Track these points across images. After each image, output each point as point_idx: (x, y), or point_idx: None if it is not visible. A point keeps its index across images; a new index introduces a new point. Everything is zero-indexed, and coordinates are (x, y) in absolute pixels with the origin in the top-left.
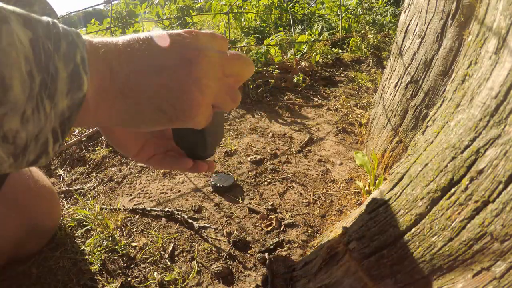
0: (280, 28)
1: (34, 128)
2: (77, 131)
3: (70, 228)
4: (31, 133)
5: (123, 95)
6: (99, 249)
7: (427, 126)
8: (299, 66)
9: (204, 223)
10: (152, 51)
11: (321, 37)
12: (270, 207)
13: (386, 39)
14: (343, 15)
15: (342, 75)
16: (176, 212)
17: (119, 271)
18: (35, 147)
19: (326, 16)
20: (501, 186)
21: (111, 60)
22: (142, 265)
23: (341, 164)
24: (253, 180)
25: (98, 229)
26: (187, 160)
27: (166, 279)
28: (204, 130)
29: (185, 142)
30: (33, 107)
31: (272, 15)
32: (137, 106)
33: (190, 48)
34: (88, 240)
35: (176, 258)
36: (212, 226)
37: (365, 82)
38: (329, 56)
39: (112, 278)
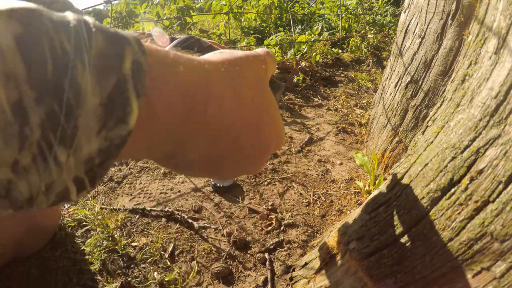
0: (280, 28)
1: (40, 180)
2: None
3: (70, 228)
4: (36, 185)
5: (217, 136)
6: (99, 249)
7: (427, 126)
8: (299, 66)
9: (204, 223)
10: (244, 78)
11: (321, 37)
12: (270, 207)
13: (386, 39)
14: (343, 15)
15: (342, 75)
16: (176, 212)
17: (119, 271)
18: (47, 198)
19: (326, 16)
20: (501, 186)
21: (212, 81)
22: (142, 265)
23: (341, 164)
24: (253, 180)
25: (98, 229)
26: None
27: (166, 279)
28: None
29: None
30: (34, 155)
31: (272, 15)
32: (245, 160)
33: (267, 81)
34: (88, 240)
35: (176, 258)
36: (212, 226)
37: (365, 82)
38: (329, 56)
39: (112, 278)
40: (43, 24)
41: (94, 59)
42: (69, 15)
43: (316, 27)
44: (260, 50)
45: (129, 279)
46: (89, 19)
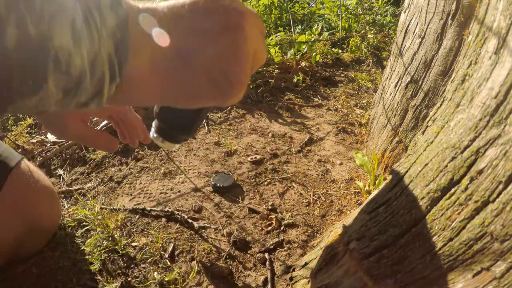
0: (280, 28)
1: (88, 49)
2: None
3: (70, 228)
4: (86, 57)
5: (176, 69)
6: (99, 249)
7: (427, 126)
8: (299, 66)
9: (204, 223)
10: (200, 15)
11: (321, 37)
12: (270, 207)
13: (386, 39)
14: (343, 15)
15: (342, 75)
16: (176, 212)
17: (119, 271)
18: (91, 82)
19: (326, 16)
20: (501, 186)
21: (162, 27)
22: (142, 265)
23: (341, 164)
24: (253, 180)
25: (98, 229)
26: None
27: (166, 279)
28: (202, 110)
29: (175, 118)
30: (82, 15)
31: (272, 15)
32: (192, 81)
33: (235, 10)
34: (88, 240)
35: (176, 258)
36: (212, 226)
37: (365, 82)
38: (329, 56)
39: (112, 278)
40: None
41: None
42: None
43: (316, 27)
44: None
45: (129, 279)
46: None
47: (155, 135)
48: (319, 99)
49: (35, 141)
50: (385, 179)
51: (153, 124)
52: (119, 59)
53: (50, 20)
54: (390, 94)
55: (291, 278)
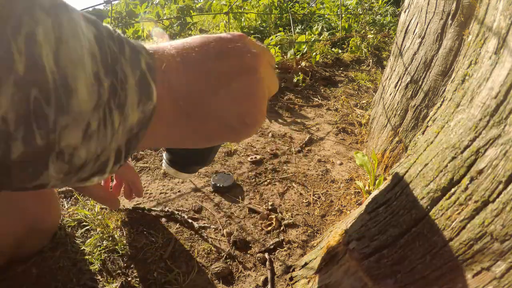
0: (280, 28)
1: (97, 146)
2: None
3: (70, 228)
4: (92, 152)
5: (187, 115)
6: (99, 249)
7: (427, 126)
8: (299, 66)
9: (204, 223)
10: (211, 58)
11: (321, 37)
12: (270, 207)
13: (386, 39)
14: (343, 15)
15: (342, 75)
16: (176, 212)
17: (119, 271)
18: (93, 166)
19: (326, 16)
20: (501, 186)
21: (170, 71)
22: (142, 265)
23: (341, 164)
24: (253, 180)
25: (98, 229)
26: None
27: (166, 279)
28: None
29: (188, 152)
30: (100, 120)
31: (272, 15)
32: (204, 126)
33: (249, 53)
34: (88, 240)
35: (176, 258)
36: (212, 226)
37: (365, 82)
38: (329, 56)
39: (112, 278)
40: (103, 31)
41: (129, 58)
42: (108, 25)
43: (316, 27)
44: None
45: (129, 279)
46: (119, 31)
47: (167, 167)
48: (319, 99)
49: None
50: (385, 179)
51: (164, 155)
52: (128, 148)
53: (61, 131)
54: (390, 94)
55: (291, 278)
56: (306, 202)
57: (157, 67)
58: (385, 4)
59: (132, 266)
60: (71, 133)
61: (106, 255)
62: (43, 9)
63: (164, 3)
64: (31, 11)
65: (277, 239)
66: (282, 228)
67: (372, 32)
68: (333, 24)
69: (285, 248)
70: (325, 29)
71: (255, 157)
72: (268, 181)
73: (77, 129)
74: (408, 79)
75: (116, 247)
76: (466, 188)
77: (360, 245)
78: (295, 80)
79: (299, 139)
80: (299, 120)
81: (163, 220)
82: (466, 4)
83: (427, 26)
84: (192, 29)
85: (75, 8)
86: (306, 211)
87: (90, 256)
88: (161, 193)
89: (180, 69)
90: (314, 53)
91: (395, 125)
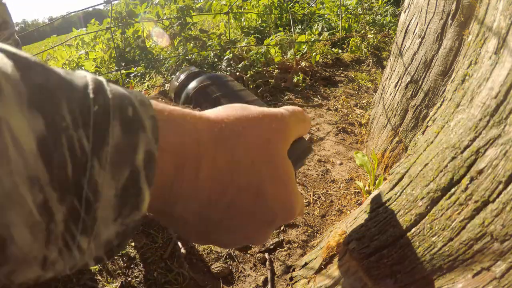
0: (280, 28)
1: (65, 265)
2: None
3: None
4: (60, 269)
5: (220, 220)
6: None
7: (427, 126)
8: (299, 66)
9: None
10: (244, 138)
11: (321, 37)
12: None
13: (386, 39)
14: (343, 15)
15: (342, 75)
16: None
17: (119, 271)
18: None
19: (326, 16)
20: (501, 186)
21: (204, 142)
22: (142, 265)
23: (341, 164)
24: None
25: None
26: None
27: (166, 279)
28: None
29: None
30: (60, 249)
31: (272, 15)
32: (244, 229)
33: (281, 143)
34: None
35: (176, 258)
36: None
37: (365, 82)
38: (329, 56)
39: (112, 278)
40: (63, 120)
41: (111, 155)
42: (88, 90)
43: (316, 27)
44: (285, 108)
45: (129, 279)
46: (107, 89)
47: None
48: (319, 99)
49: None
50: (385, 179)
51: None
52: (110, 255)
53: (9, 276)
54: (390, 94)
55: (291, 278)
56: (306, 202)
57: (170, 150)
58: (385, 4)
59: (132, 266)
60: (23, 274)
61: None
62: None
63: (164, 3)
64: None
65: (277, 239)
66: (282, 228)
67: (372, 32)
68: (333, 24)
69: (285, 248)
70: (325, 29)
71: None
72: None
73: (29, 269)
74: (408, 79)
75: None
76: (466, 188)
77: (360, 245)
78: (295, 80)
79: None
80: None
81: None
82: (466, 4)
83: (427, 26)
84: (192, 29)
85: (12, 65)
86: (306, 211)
87: None
88: None
89: (219, 160)
90: (314, 53)
91: (395, 125)
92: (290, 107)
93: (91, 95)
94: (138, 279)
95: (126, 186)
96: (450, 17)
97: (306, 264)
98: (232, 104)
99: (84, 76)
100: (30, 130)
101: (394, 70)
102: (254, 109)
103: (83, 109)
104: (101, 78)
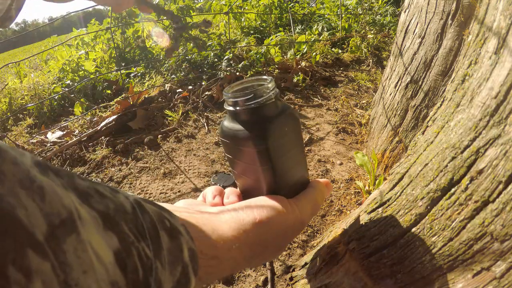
0: (280, 28)
1: None
2: (77, 131)
3: None
4: None
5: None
6: None
7: (427, 126)
8: (299, 66)
9: None
10: (265, 236)
11: (321, 37)
12: None
13: (386, 39)
14: (343, 15)
15: (342, 75)
16: None
17: None
18: None
19: (326, 16)
20: (501, 186)
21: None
22: None
23: (341, 164)
24: None
25: None
26: None
27: None
28: None
29: None
30: None
31: (272, 15)
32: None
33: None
34: None
35: None
36: None
37: (365, 82)
38: (329, 56)
39: None
40: (129, 237)
41: (167, 257)
42: (136, 207)
43: (316, 27)
44: (309, 200)
45: None
46: (146, 205)
47: None
48: (319, 99)
49: (35, 141)
50: (385, 179)
51: None
52: None
53: None
54: (390, 94)
55: (291, 278)
56: None
57: (202, 249)
58: (385, 4)
59: None
60: None
61: None
62: (37, 246)
63: (164, 3)
64: (21, 249)
65: None
66: None
67: (372, 32)
68: (333, 24)
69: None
70: (325, 29)
71: None
72: None
73: None
74: (408, 79)
75: None
76: (466, 188)
77: (360, 245)
78: (295, 80)
79: None
80: None
81: None
82: (466, 4)
83: (427, 26)
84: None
85: (88, 194)
86: None
87: None
88: (161, 193)
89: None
90: (314, 53)
91: (395, 125)
92: (318, 187)
93: (140, 216)
94: None
95: (180, 279)
96: (450, 17)
97: (306, 264)
98: (263, 204)
99: (127, 198)
100: (107, 246)
101: (394, 70)
102: (278, 224)
103: (137, 226)
104: (139, 199)
